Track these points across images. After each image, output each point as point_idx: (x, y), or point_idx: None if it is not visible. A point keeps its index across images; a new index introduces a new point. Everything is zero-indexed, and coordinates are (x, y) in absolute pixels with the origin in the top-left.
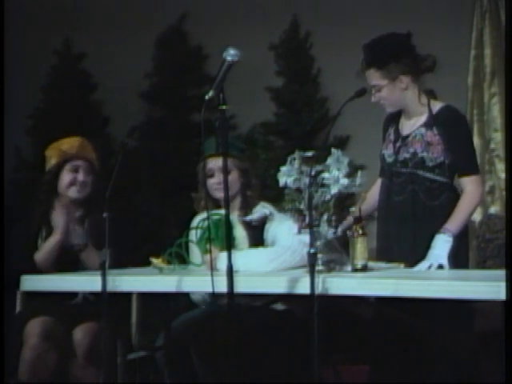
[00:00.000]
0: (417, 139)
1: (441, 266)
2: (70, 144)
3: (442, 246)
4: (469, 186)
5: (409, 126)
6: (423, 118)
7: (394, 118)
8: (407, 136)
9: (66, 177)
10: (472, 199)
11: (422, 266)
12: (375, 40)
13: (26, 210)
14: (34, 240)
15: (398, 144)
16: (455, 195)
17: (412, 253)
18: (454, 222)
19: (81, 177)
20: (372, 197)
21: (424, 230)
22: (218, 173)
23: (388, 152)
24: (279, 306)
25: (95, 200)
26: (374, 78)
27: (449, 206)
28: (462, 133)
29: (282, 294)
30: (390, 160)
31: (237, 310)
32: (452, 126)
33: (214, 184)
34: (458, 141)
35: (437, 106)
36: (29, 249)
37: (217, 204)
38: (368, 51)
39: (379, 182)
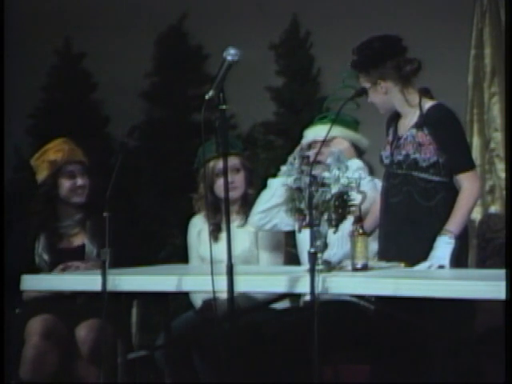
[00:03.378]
0: (408, 141)
1: (442, 267)
2: (56, 152)
3: (443, 247)
4: (465, 182)
5: (403, 127)
6: (415, 119)
7: (394, 118)
8: (400, 137)
9: (65, 185)
10: (470, 196)
11: (423, 266)
12: (360, 44)
13: (25, 211)
14: (32, 245)
15: (393, 145)
16: (453, 194)
17: (410, 253)
18: (454, 222)
19: (79, 181)
20: (375, 212)
21: (421, 231)
22: (229, 173)
23: (385, 153)
24: (279, 306)
25: (94, 201)
26: (361, 80)
27: (446, 206)
28: (453, 130)
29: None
30: (386, 161)
31: (237, 309)
32: (442, 125)
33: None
34: (449, 139)
35: (427, 105)
36: (26, 253)
37: (217, 205)
38: (353, 54)
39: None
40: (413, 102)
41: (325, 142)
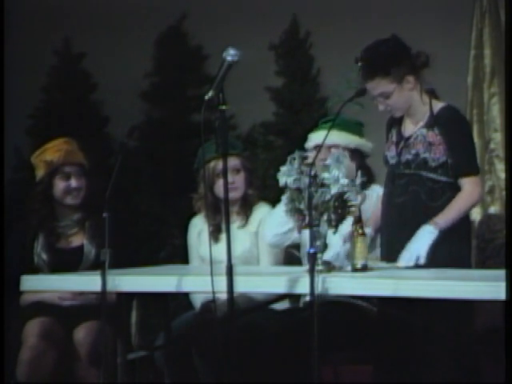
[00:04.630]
0: (418, 140)
1: (418, 259)
2: (54, 152)
3: (423, 236)
4: (467, 185)
5: (411, 127)
6: (425, 119)
7: (397, 119)
8: (409, 137)
9: (59, 186)
10: (468, 197)
11: (403, 257)
12: (370, 50)
13: (25, 211)
14: (31, 244)
15: (400, 145)
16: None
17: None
18: (444, 216)
19: (74, 183)
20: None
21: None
22: (229, 173)
23: (391, 154)
24: (279, 306)
25: (92, 202)
26: (381, 86)
27: None
28: (463, 133)
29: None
30: (392, 162)
31: (237, 310)
32: (453, 127)
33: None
34: (458, 141)
35: (438, 105)
36: (26, 253)
37: (217, 205)
38: (367, 63)
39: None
40: (425, 100)
41: (328, 148)
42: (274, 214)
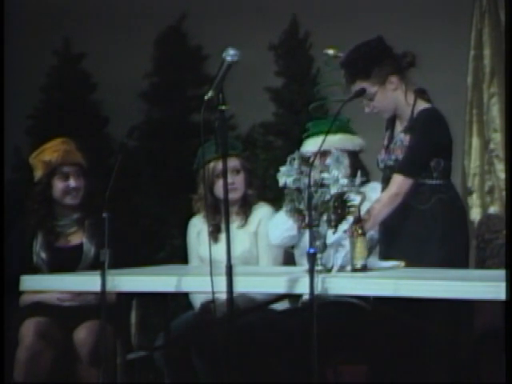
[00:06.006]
0: (397, 145)
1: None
2: (52, 152)
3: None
4: (392, 182)
5: (397, 130)
6: (405, 122)
7: (391, 121)
8: (390, 142)
9: (57, 186)
10: (385, 195)
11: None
12: (351, 53)
13: (24, 211)
14: (30, 244)
15: (387, 149)
16: (450, 195)
17: (407, 256)
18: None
19: (73, 183)
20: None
21: (418, 234)
22: (229, 174)
23: (380, 157)
24: (279, 306)
25: (91, 202)
26: (365, 85)
27: (443, 208)
28: (427, 136)
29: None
30: (381, 165)
31: (236, 310)
32: (423, 129)
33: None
34: (417, 142)
35: (420, 107)
36: (24, 252)
37: (217, 206)
38: (348, 66)
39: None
40: (410, 101)
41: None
42: (281, 216)
